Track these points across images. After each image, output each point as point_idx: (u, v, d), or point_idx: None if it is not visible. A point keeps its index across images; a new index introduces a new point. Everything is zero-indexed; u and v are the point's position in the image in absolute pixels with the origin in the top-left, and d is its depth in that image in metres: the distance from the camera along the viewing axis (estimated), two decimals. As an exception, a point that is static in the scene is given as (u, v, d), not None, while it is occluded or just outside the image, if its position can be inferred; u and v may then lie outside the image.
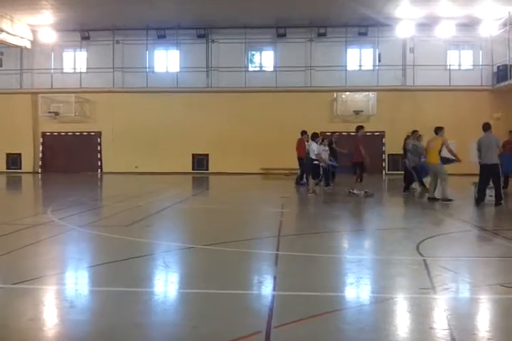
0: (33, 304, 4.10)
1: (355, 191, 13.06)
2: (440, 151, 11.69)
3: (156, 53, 25.87)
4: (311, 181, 13.64)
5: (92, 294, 4.48)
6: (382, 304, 4.08)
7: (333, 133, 17.73)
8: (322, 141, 14.92)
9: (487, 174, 10.86)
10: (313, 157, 13.31)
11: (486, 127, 11.06)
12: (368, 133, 14.10)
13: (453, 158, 12.02)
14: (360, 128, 13.65)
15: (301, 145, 16.17)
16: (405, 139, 15.16)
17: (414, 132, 14.11)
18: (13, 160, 25.70)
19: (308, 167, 14.04)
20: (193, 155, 25.13)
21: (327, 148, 15.12)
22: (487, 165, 10.77)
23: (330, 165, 14.95)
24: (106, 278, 4.99)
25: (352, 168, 13.49)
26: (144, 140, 24.54)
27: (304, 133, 16.28)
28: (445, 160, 12.11)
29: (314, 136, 13.79)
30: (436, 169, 11.69)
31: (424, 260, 5.54)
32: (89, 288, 4.68)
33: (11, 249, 6.05)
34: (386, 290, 4.46)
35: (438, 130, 11.90)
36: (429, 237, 7.02)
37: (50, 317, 3.88)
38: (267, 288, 4.57)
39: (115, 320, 3.70)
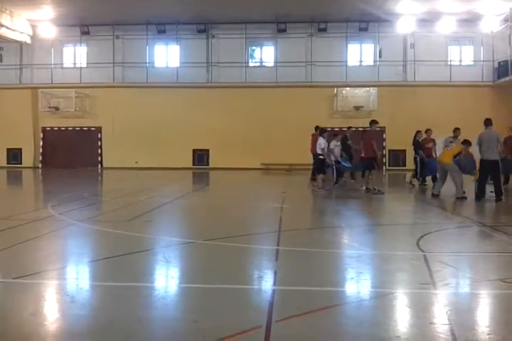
0: (34, 299, 4.11)
1: (374, 187, 12.71)
2: (455, 157, 11.62)
3: (156, 48, 25.82)
4: (320, 177, 13.48)
5: (93, 289, 4.48)
6: (382, 299, 4.09)
7: (348, 128, 16.78)
8: (335, 136, 14.84)
9: (487, 170, 10.86)
10: (319, 152, 13.17)
11: (488, 122, 11.04)
12: (368, 129, 13.98)
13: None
14: (373, 122, 13.26)
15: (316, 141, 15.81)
16: (415, 135, 15.10)
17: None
18: (14, 155, 25.71)
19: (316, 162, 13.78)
20: (194, 151, 25.13)
21: (339, 143, 14.92)
22: (487, 161, 10.77)
23: (341, 164, 14.66)
24: (106, 273, 5.00)
25: (363, 164, 13.11)
26: (144, 135, 24.52)
27: (317, 128, 15.69)
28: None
29: (322, 132, 13.61)
30: (448, 168, 11.58)
31: (425, 255, 5.54)
32: (89, 283, 4.69)
33: (12, 244, 6.06)
34: (386, 285, 4.46)
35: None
36: (430, 232, 7.03)
37: (51, 311, 3.89)
38: (267, 283, 4.57)
39: (116, 314, 3.71)
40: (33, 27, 24.93)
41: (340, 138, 15.13)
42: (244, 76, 24.55)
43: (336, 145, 14.79)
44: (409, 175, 15.52)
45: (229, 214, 9.49)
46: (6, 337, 3.28)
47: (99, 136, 25.49)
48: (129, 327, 3.47)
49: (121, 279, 4.66)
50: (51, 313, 3.84)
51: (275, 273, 4.84)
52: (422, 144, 14.71)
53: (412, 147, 15.13)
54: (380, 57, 24.34)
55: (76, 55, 26.01)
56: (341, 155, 14.89)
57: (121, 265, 5.27)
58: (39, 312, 3.81)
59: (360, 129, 16.79)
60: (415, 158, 15.02)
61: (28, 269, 4.89)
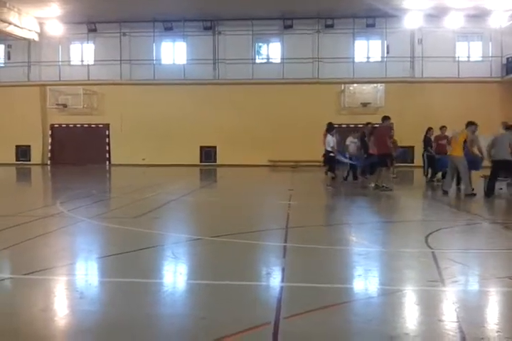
0: (44, 294, 4.15)
1: (383, 184, 12.43)
2: (464, 148, 11.27)
3: (163, 45, 25.85)
4: (329, 174, 13.47)
5: (102, 285, 4.51)
6: (390, 296, 4.08)
7: (366, 124, 15.52)
8: (354, 132, 14.79)
9: (498, 169, 10.88)
10: (329, 149, 13.08)
11: (509, 127, 11.12)
12: (376, 125, 13.89)
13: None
14: (386, 118, 12.71)
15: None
16: (426, 132, 15.06)
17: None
18: (23, 152, 25.90)
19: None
20: (201, 148, 25.17)
21: (356, 140, 14.77)
22: (500, 161, 10.78)
23: (352, 160, 14.50)
24: (115, 269, 5.03)
25: (374, 160, 12.85)
26: (151, 132, 24.60)
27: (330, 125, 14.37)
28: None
29: (330, 128, 13.41)
30: (458, 161, 11.29)
31: (433, 252, 5.52)
32: (98, 279, 4.72)
33: (21, 240, 6.11)
34: (394, 283, 4.45)
35: (468, 124, 11.42)
36: (438, 230, 7.00)
37: (60, 307, 3.91)
38: (275, 280, 4.58)
39: (125, 310, 3.73)
40: (41, 24, 25.03)
41: (358, 134, 14.98)
42: (251, 72, 24.53)
43: (351, 141, 14.69)
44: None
45: (236, 211, 9.50)
46: (17, 333, 3.31)
47: (107, 132, 25.59)
48: (138, 323, 3.48)
49: (130, 275, 4.68)
50: (61, 309, 3.87)
51: (283, 269, 4.84)
52: (431, 141, 14.70)
53: (422, 144, 15.11)
54: (387, 53, 24.24)
55: (83, 53, 26.09)
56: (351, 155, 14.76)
57: (129, 261, 5.30)
58: (49, 308, 3.84)
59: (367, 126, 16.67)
60: (423, 155, 15.00)
61: (38, 265, 4.93)
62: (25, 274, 4.62)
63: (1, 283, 4.44)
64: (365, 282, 4.57)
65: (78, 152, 25.29)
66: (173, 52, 25.90)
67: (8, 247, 5.74)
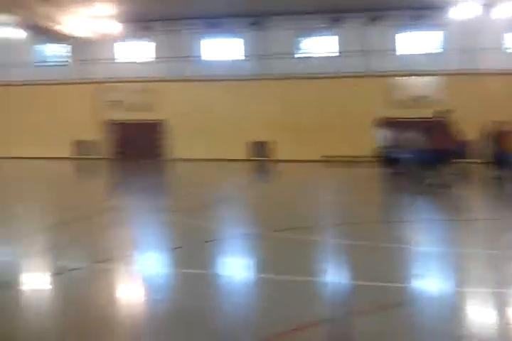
0: (113, 283, 4.35)
1: (444, 181, 11.99)
2: None
3: (210, 42, 26.19)
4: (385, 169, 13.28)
5: (169, 275, 4.68)
6: (458, 296, 4.04)
7: (431, 117, 14.27)
8: (413, 127, 14.51)
9: None
10: (382, 144, 12.84)
11: None
12: (437, 119, 13.43)
13: None
14: (447, 112, 12.27)
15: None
16: (491, 126, 14.60)
17: None
18: (83, 148, 26.97)
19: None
20: (251, 143, 25.30)
21: (416, 134, 14.43)
22: None
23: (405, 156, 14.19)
24: (181, 261, 5.20)
25: (437, 156, 12.30)
26: (205, 127, 25.00)
27: (383, 119, 14.32)
28: None
29: (381, 123, 13.10)
30: None
31: (500, 253, 5.35)
32: (166, 269, 4.90)
33: (89, 232, 6.39)
34: (463, 284, 4.38)
35: None
36: (504, 229, 6.77)
37: (127, 295, 4.10)
38: (335, 277, 4.60)
39: (189, 300, 3.87)
40: (96, 23, 25.79)
41: (418, 129, 14.58)
42: (298, 67, 24.41)
43: (410, 135, 14.37)
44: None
45: (293, 207, 9.50)
46: (89, 318, 3.51)
47: (164, 128, 26.23)
48: (201, 312, 3.60)
49: (195, 267, 4.83)
50: (128, 297, 4.05)
51: (343, 267, 4.85)
52: (498, 135, 14.22)
53: (486, 138, 14.63)
54: (443, 44, 23.47)
55: (138, 50, 26.88)
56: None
57: (194, 253, 5.46)
58: (117, 296, 4.03)
59: (427, 120, 16.17)
60: (487, 151, 14.55)
61: (105, 255, 5.16)
62: (95, 263, 4.85)
63: (71, 273, 4.69)
64: (431, 281, 4.51)
65: (134, 147, 26.07)
66: (221, 49, 26.13)
67: (77, 238, 6.03)
